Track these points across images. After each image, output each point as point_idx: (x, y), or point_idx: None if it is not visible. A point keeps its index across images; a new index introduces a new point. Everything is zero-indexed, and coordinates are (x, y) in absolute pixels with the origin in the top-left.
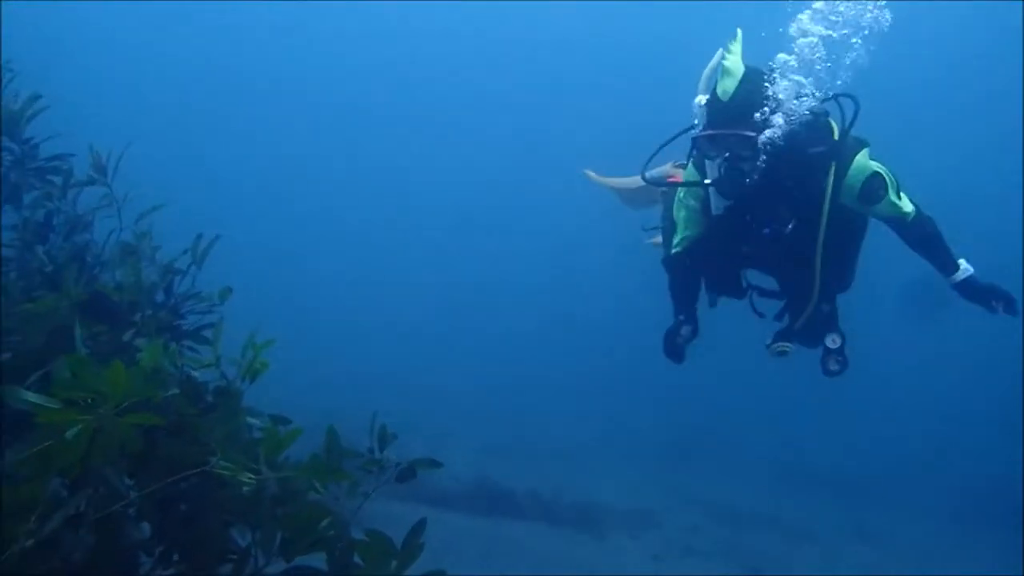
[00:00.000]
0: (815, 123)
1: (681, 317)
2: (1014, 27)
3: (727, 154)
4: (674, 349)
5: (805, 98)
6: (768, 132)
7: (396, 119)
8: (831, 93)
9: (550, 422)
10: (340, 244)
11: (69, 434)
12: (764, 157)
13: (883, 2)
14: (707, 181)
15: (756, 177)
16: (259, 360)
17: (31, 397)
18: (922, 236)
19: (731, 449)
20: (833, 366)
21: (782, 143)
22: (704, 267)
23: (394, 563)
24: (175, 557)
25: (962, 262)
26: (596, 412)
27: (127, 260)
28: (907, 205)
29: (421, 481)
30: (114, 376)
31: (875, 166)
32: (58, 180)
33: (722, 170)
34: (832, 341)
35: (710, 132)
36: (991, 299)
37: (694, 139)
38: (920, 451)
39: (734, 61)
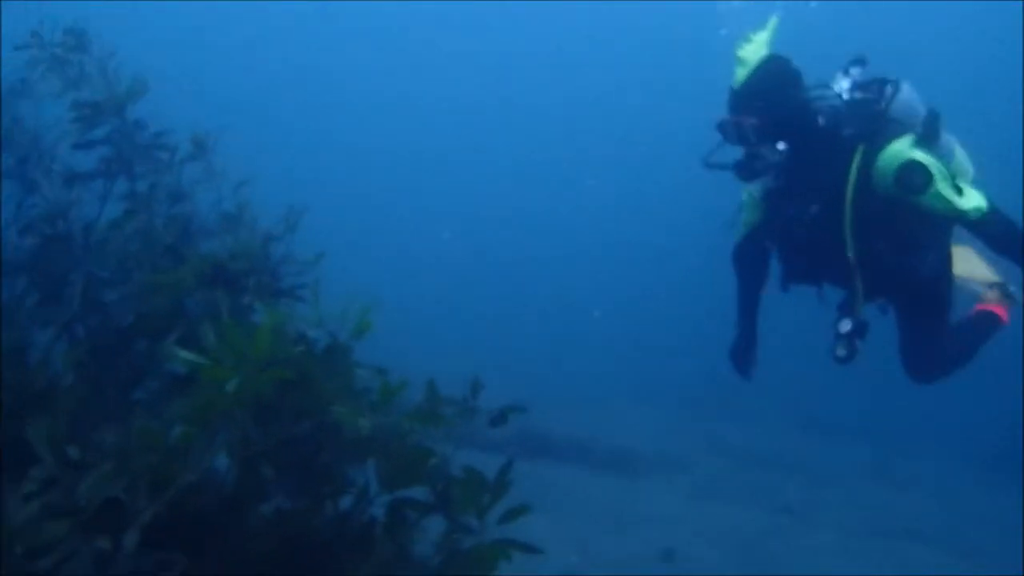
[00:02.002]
0: (857, 106)
1: (739, 334)
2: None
3: (737, 139)
4: (739, 367)
5: (840, 83)
6: (784, 117)
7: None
8: (870, 78)
9: (583, 373)
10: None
11: (228, 387)
12: (782, 142)
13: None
14: (726, 165)
15: (775, 160)
16: (365, 320)
17: (190, 356)
18: (991, 237)
19: (755, 399)
20: (840, 351)
21: (806, 127)
22: (765, 255)
23: (487, 496)
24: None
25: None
26: (627, 364)
27: (231, 228)
28: (967, 202)
29: (472, 429)
30: (259, 338)
31: (915, 154)
32: (164, 155)
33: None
34: (843, 325)
35: (721, 119)
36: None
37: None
38: (939, 398)
39: (750, 50)
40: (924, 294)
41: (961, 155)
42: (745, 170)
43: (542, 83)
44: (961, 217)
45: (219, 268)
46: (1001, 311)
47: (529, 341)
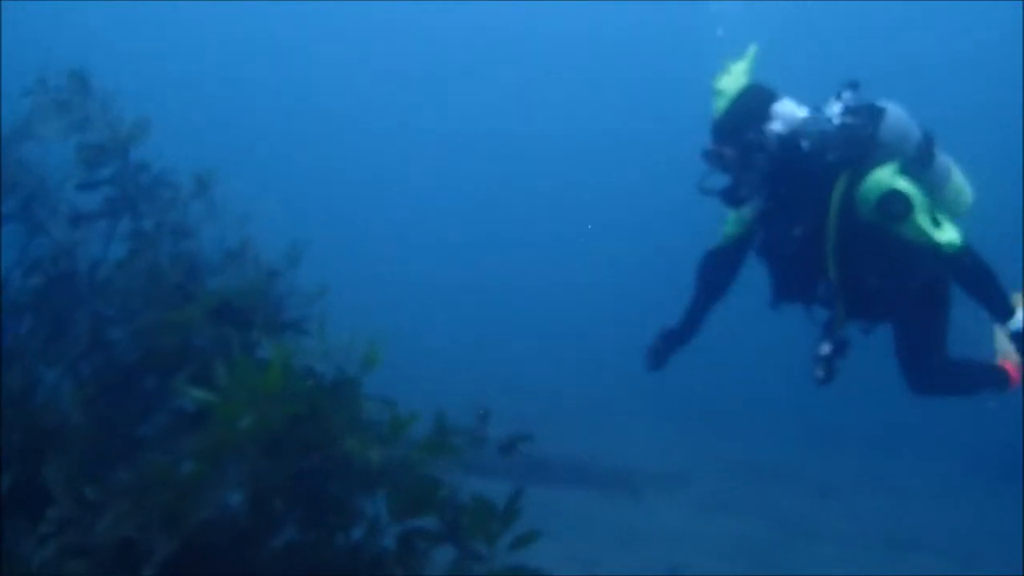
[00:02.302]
0: (844, 131)
1: (669, 326)
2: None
3: (721, 168)
4: (651, 359)
5: (831, 108)
6: (763, 144)
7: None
8: (861, 102)
9: (578, 390)
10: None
11: (242, 423)
12: (762, 168)
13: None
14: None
15: (756, 187)
16: (372, 353)
17: (201, 394)
18: (961, 274)
19: (752, 411)
20: (819, 373)
21: (788, 153)
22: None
23: (497, 524)
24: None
25: (1020, 308)
26: (622, 380)
27: (234, 264)
28: (942, 235)
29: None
30: (270, 374)
31: (897, 182)
32: (167, 194)
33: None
34: (823, 348)
35: (705, 148)
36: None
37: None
38: (937, 407)
39: (728, 81)
40: (912, 313)
41: (958, 177)
42: (731, 197)
43: (544, 98)
44: (935, 250)
45: (226, 305)
46: (1015, 374)
47: (525, 359)
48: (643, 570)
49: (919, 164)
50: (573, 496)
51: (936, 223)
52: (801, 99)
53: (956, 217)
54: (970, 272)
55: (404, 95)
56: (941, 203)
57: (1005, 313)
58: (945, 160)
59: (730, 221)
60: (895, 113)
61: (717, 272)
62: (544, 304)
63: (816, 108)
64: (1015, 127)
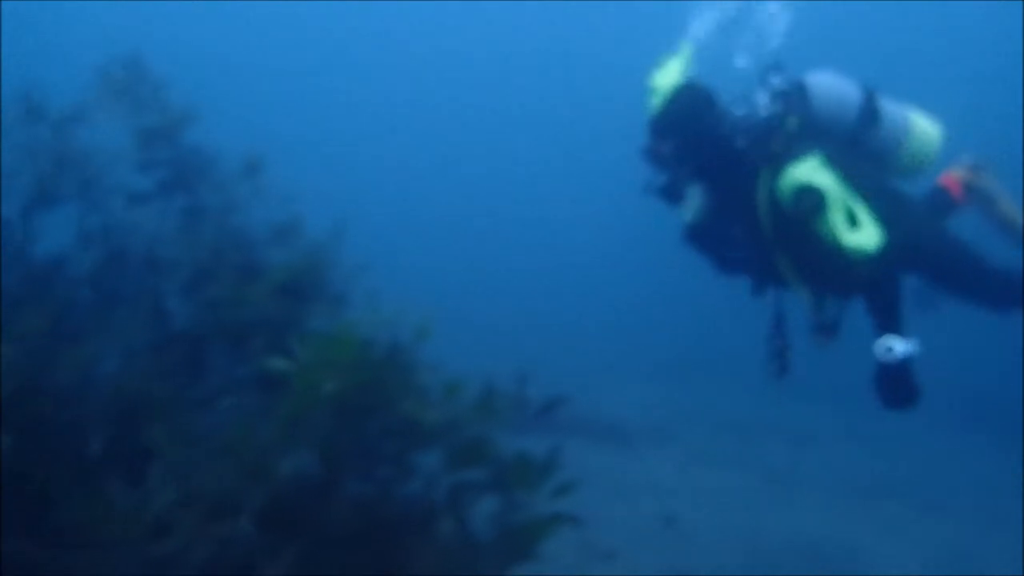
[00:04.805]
0: (766, 123)
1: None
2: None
3: (657, 165)
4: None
5: (760, 97)
6: (695, 143)
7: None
8: (788, 84)
9: (563, 348)
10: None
11: (323, 390)
12: (694, 166)
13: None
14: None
15: (690, 184)
16: (426, 324)
17: (282, 364)
18: (862, 286)
19: (732, 366)
20: (773, 367)
21: (717, 151)
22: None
23: (537, 476)
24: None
25: (898, 341)
26: (606, 338)
27: (284, 242)
28: (853, 238)
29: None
30: (345, 345)
31: (813, 178)
32: (218, 175)
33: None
34: (776, 343)
35: (642, 146)
36: (884, 400)
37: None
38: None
39: (662, 79)
40: (938, 273)
41: (920, 124)
42: (668, 194)
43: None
44: (842, 252)
45: (291, 280)
46: None
47: (512, 319)
48: (639, 520)
49: (864, 125)
50: (567, 448)
51: (853, 223)
52: (733, 92)
53: (929, 165)
54: (871, 287)
55: (439, 83)
56: (902, 161)
57: (888, 329)
58: (898, 112)
59: (687, 209)
60: (822, 84)
61: (709, 239)
62: (526, 265)
63: (746, 99)
64: (1015, 127)
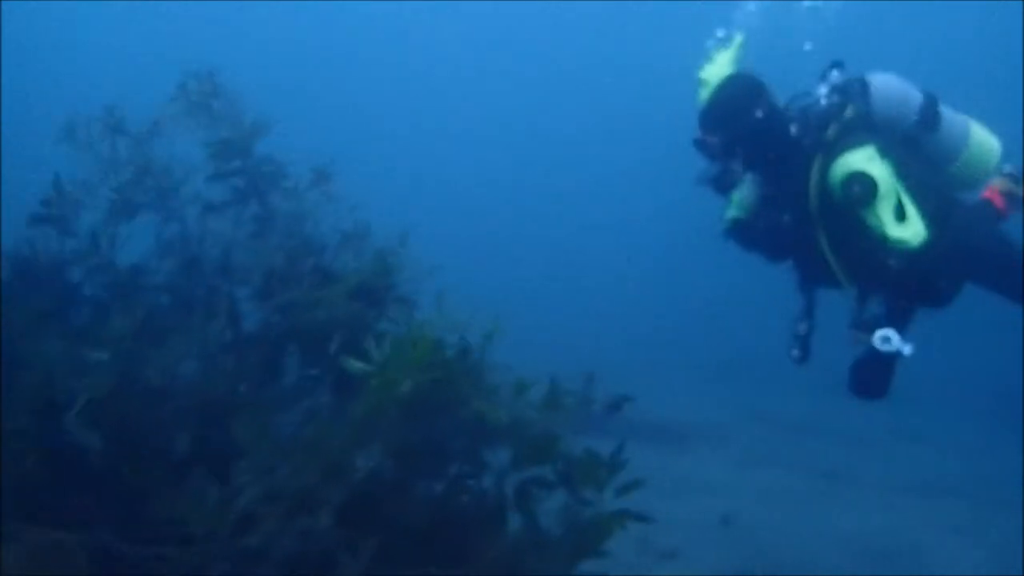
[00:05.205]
0: (824, 113)
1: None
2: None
3: (708, 156)
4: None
5: (819, 90)
6: (746, 133)
7: None
8: (847, 79)
9: (616, 348)
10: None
11: (402, 390)
12: (745, 156)
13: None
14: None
15: (741, 174)
16: (496, 327)
17: (361, 365)
18: (891, 276)
19: (783, 368)
20: (794, 352)
21: (771, 140)
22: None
23: (603, 473)
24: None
25: (894, 339)
26: (658, 339)
27: (352, 247)
28: (899, 230)
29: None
30: (421, 346)
31: (867, 167)
32: (288, 184)
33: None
34: (801, 328)
35: (694, 136)
36: (854, 383)
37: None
38: (963, 360)
39: (712, 70)
40: (979, 273)
41: (980, 133)
42: (718, 184)
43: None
44: (884, 242)
45: (363, 284)
46: None
47: (565, 321)
48: (696, 519)
49: (923, 127)
50: (627, 448)
51: (900, 216)
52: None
53: (985, 178)
54: (903, 279)
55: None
56: (957, 170)
57: (893, 324)
58: (958, 120)
59: (733, 206)
60: (885, 81)
61: (753, 236)
62: (582, 264)
63: (805, 93)
64: (1015, 126)
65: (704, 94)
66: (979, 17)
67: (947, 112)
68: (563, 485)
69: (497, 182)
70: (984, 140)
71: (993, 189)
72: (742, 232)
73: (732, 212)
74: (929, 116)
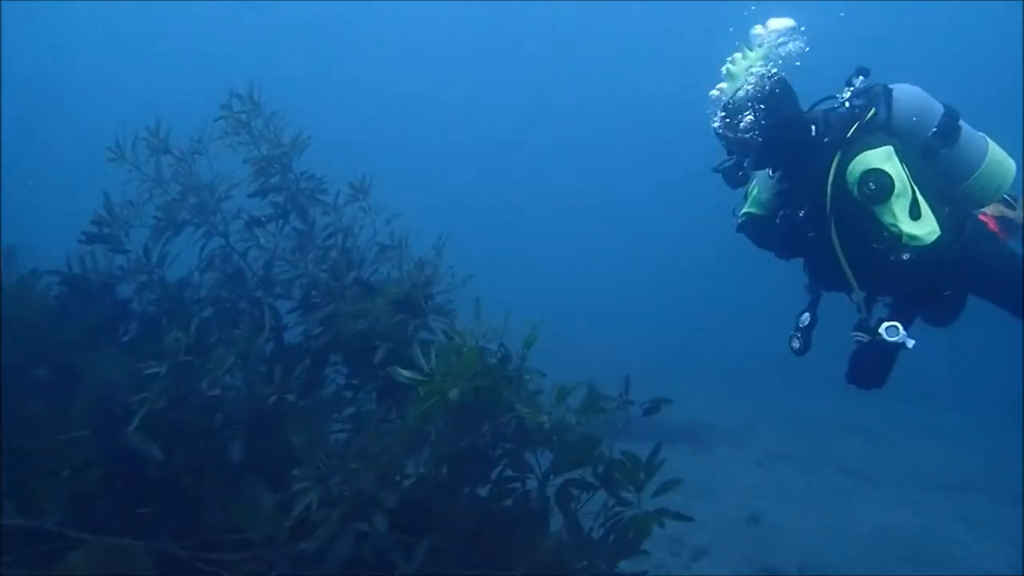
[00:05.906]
0: (845, 114)
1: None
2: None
3: (727, 149)
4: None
5: (843, 94)
6: (764, 126)
7: None
8: (869, 84)
9: (638, 352)
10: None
11: (451, 397)
12: (761, 150)
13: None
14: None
15: (754, 169)
16: (534, 334)
17: (409, 373)
18: (899, 273)
19: (800, 367)
20: (794, 343)
21: (791, 137)
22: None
23: (642, 474)
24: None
25: (900, 329)
26: (678, 341)
27: (389, 258)
28: (913, 227)
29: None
30: (467, 355)
31: (884, 165)
32: (328, 199)
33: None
34: (803, 320)
35: (716, 129)
36: (853, 371)
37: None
38: (980, 357)
39: (739, 65)
40: (973, 281)
41: (998, 153)
42: (730, 177)
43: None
44: (896, 240)
45: (405, 295)
46: None
47: (586, 324)
48: (724, 518)
49: (942, 140)
50: (646, 450)
51: (915, 214)
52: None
53: (997, 196)
54: (915, 277)
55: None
56: (971, 186)
57: (899, 319)
58: (977, 137)
59: (750, 202)
60: (907, 92)
61: (768, 233)
62: (597, 267)
63: (831, 97)
64: (1015, 126)
65: (728, 87)
66: (978, 24)
67: (966, 128)
68: (603, 486)
69: (508, 188)
70: (1001, 160)
71: (986, 215)
72: (756, 228)
73: (747, 208)
74: (948, 129)
